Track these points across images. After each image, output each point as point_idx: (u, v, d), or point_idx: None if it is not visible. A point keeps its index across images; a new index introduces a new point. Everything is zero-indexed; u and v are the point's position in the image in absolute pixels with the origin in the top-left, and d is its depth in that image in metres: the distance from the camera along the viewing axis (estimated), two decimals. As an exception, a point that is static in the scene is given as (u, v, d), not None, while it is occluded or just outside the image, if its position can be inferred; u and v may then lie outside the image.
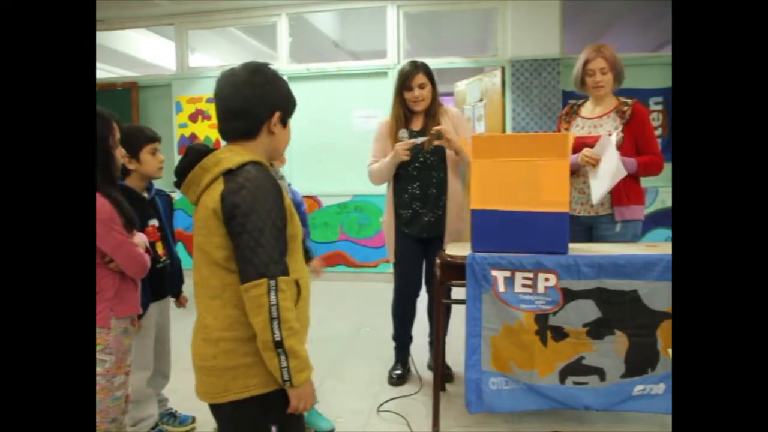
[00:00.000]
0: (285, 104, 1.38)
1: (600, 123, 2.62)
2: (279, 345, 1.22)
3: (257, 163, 1.31)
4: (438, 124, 2.69)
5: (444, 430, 2.40)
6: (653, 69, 4.99)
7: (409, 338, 3.03)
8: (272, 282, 1.21)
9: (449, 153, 2.73)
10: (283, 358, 1.23)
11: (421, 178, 2.75)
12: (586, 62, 2.57)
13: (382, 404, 2.68)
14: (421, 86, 2.72)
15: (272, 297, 1.21)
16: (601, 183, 2.47)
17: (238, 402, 1.29)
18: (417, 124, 2.79)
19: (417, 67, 2.73)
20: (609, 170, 2.43)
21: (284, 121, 1.39)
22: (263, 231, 1.23)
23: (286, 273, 1.25)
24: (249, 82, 1.32)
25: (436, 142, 2.66)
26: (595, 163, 2.47)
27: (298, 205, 2.83)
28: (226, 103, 1.34)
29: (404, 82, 2.73)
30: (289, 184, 2.82)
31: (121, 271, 1.80)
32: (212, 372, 1.30)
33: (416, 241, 2.81)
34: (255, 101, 1.32)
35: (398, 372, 2.96)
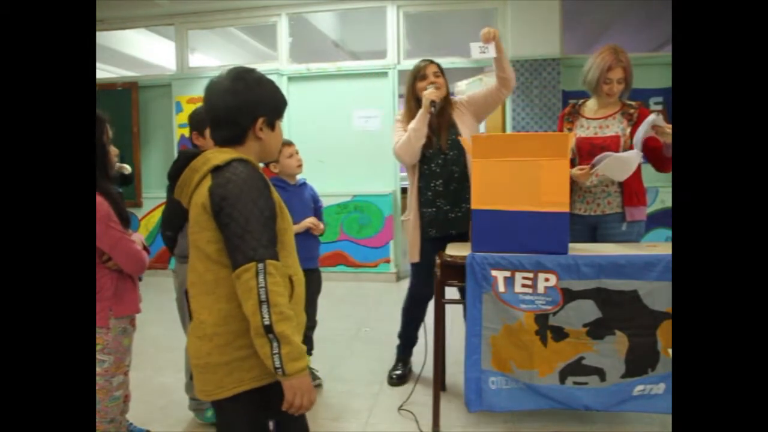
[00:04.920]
0: (268, 109, 1.39)
1: (606, 124, 2.61)
2: (269, 330, 1.20)
3: (243, 160, 1.34)
4: (454, 125, 2.70)
5: (444, 430, 2.40)
6: (653, 69, 5.00)
7: (415, 339, 3.00)
8: (260, 265, 1.22)
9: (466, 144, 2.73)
10: (274, 344, 1.20)
11: (443, 175, 2.71)
12: (608, 69, 2.51)
13: (403, 404, 2.63)
14: (436, 74, 2.74)
15: (260, 279, 1.21)
16: (621, 173, 2.47)
17: (234, 397, 1.30)
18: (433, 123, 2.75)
19: (431, 61, 2.79)
20: (622, 165, 2.43)
21: (271, 125, 1.41)
22: (249, 219, 1.25)
23: (275, 258, 1.26)
24: (230, 90, 1.35)
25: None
26: (586, 176, 2.48)
27: (315, 200, 2.86)
28: (211, 112, 1.38)
29: (417, 74, 2.75)
30: (305, 181, 2.85)
31: (119, 269, 1.80)
32: (207, 369, 1.31)
33: (439, 241, 2.71)
34: (236, 110, 1.35)
35: (398, 372, 2.96)
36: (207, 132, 2.34)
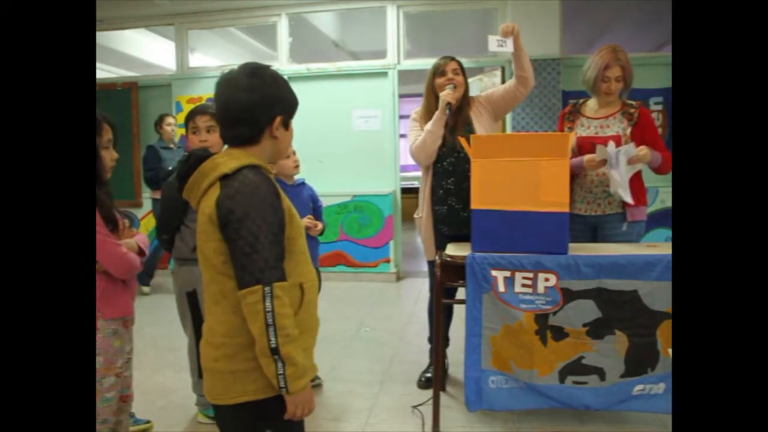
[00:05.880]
0: (286, 107, 1.35)
1: (607, 123, 2.62)
2: (275, 352, 1.22)
3: (254, 167, 1.29)
4: (470, 123, 2.68)
5: (444, 429, 2.40)
6: (653, 69, 4.99)
7: (446, 340, 2.93)
8: (267, 288, 1.21)
9: None
10: (279, 365, 1.23)
11: (455, 173, 2.67)
12: (606, 68, 2.52)
13: (418, 405, 2.59)
14: (455, 72, 2.70)
15: (267, 304, 1.21)
16: (620, 180, 2.48)
17: (236, 405, 1.30)
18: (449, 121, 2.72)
19: (452, 58, 2.75)
20: (621, 173, 2.44)
21: (286, 124, 1.36)
22: (258, 237, 1.22)
23: (282, 278, 1.24)
24: (247, 87, 1.28)
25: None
26: (598, 166, 2.48)
27: (314, 200, 2.85)
28: (226, 110, 1.31)
29: (437, 70, 2.72)
30: (303, 181, 2.84)
31: (106, 271, 1.76)
32: (214, 374, 1.32)
33: (453, 239, 2.68)
34: (254, 108, 1.29)
35: (428, 375, 2.88)
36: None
